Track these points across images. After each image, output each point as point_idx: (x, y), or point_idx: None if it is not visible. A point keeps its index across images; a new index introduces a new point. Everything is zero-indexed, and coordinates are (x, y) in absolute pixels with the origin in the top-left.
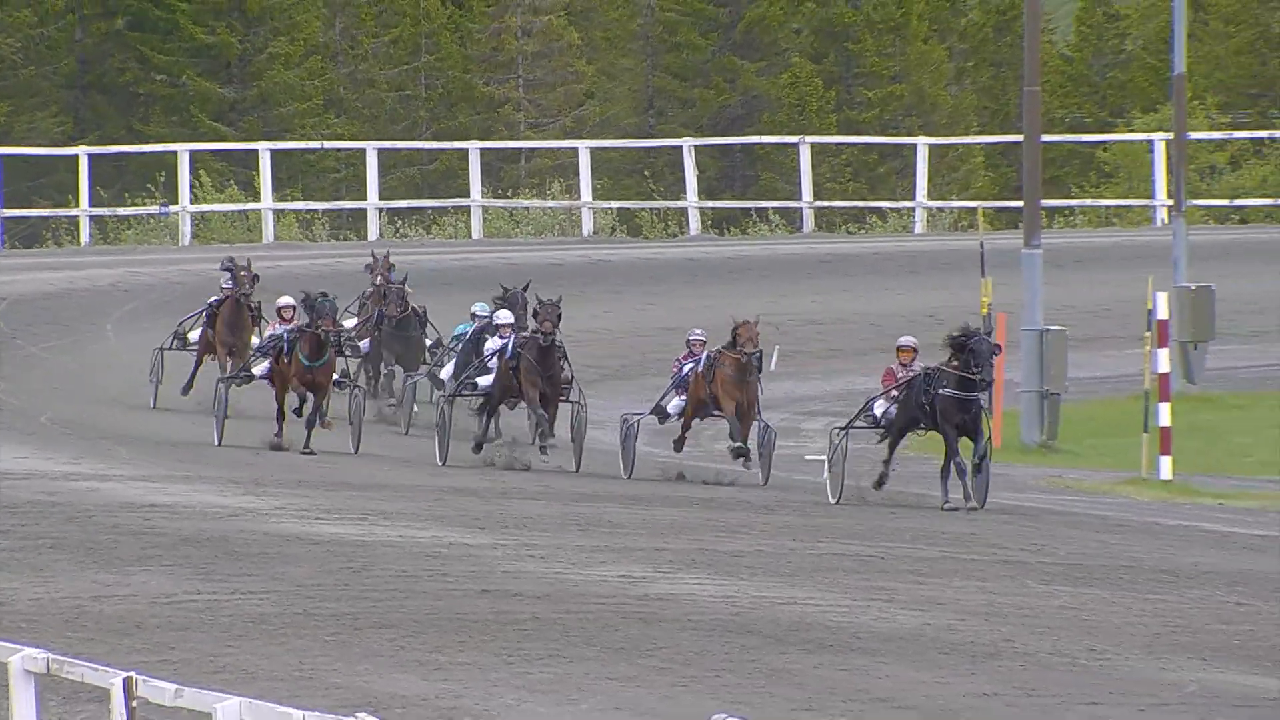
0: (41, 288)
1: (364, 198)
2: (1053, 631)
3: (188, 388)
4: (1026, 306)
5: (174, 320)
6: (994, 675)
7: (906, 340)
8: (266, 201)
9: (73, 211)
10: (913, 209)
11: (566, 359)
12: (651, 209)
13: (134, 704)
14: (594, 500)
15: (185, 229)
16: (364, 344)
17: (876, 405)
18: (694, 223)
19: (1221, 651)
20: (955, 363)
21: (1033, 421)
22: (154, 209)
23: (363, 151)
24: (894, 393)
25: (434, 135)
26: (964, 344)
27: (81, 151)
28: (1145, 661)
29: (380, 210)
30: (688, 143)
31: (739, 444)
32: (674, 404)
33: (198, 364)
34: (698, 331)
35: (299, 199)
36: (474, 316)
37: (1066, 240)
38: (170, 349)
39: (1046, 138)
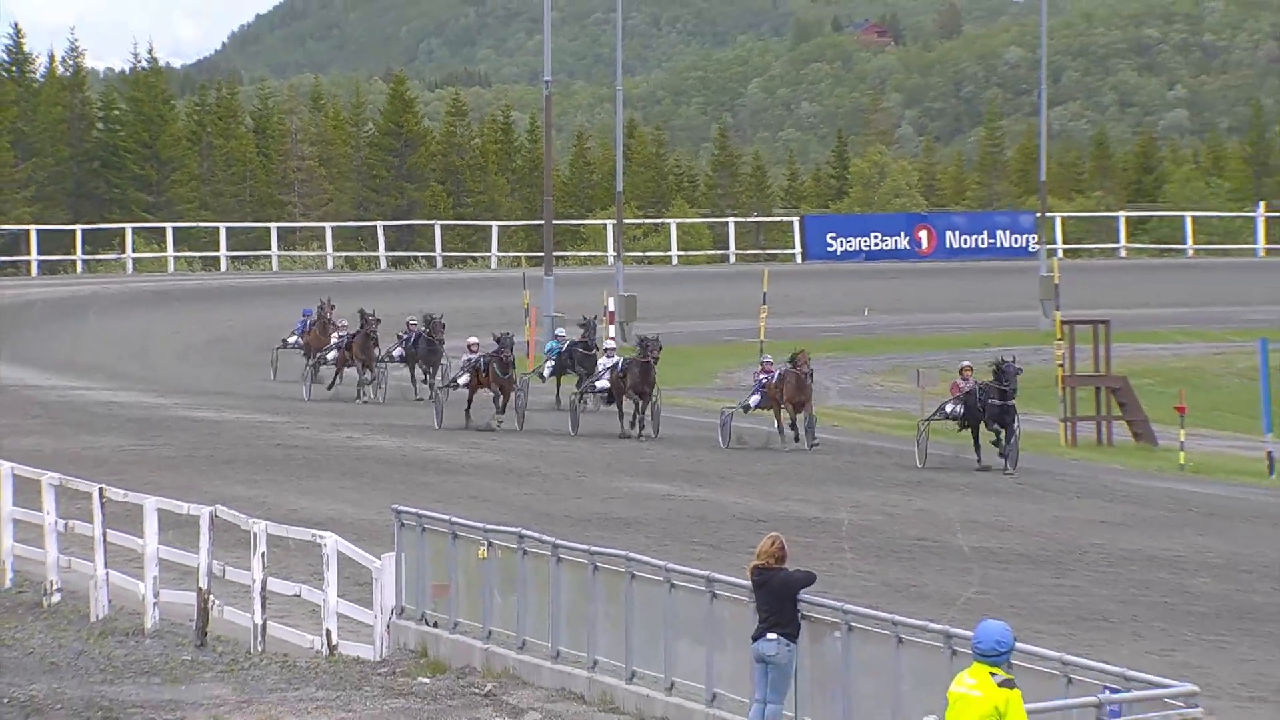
0: (55, 295)
1: (218, 249)
2: (561, 465)
3: (331, 386)
4: (546, 305)
5: (129, 310)
6: (530, 485)
7: (967, 362)
8: (170, 252)
9: (71, 257)
10: (490, 257)
11: (655, 371)
12: (362, 256)
13: (104, 501)
14: (338, 400)
15: (129, 266)
16: (397, 352)
17: (947, 407)
18: (384, 263)
19: (643, 472)
20: (995, 381)
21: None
22: (113, 255)
23: (218, 228)
24: (957, 398)
25: (252, 220)
26: (1001, 369)
27: (76, 228)
28: (604, 478)
29: (228, 258)
30: (380, 224)
31: (795, 432)
32: (753, 400)
33: (338, 372)
34: (768, 356)
35: (186, 251)
36: (556, 336)
37: (567, 272)
38: (314, 363)
39: (556, 222)
